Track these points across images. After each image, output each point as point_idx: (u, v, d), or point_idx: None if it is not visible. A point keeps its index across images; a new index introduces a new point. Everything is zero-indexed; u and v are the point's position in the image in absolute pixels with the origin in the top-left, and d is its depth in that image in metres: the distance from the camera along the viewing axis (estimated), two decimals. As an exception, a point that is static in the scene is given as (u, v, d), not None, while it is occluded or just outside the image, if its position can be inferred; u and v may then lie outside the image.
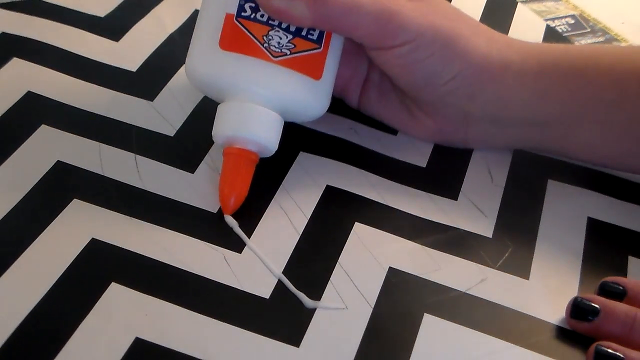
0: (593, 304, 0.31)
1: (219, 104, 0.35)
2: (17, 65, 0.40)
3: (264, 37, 0.33)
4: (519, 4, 0.53)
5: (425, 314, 0.31)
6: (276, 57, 0.33)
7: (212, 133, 0.34)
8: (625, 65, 0.35)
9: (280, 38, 0.33)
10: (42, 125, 0.37)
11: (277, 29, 0.33)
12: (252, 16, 0.33)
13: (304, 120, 0.37)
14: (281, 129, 0.34)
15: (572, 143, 0.37)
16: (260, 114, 0.33)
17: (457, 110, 0.37)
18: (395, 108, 0.39)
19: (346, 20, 0.33)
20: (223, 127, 0.34)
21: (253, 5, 0.33)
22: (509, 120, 0.37)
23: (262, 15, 0.33)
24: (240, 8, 0.33)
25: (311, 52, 0.34)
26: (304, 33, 0.34)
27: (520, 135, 0.38)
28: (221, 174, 0.34)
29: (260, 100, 0.33)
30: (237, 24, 0.33)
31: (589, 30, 0.53)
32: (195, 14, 0.45)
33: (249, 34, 0.33)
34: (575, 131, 0.36)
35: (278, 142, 0.34)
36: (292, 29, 0.33)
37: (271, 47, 0.33)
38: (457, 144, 0.39)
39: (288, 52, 0.33)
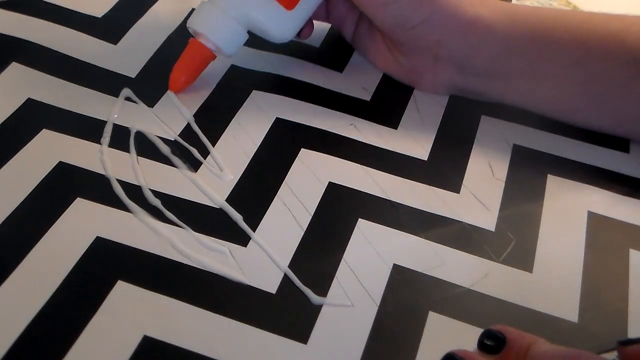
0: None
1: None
2: (16, 70, 0.40)
3: None
4: (513, 1, 0.53)
5: (430, 311, 0.31)
6: None
7: (187, 22, 0.39)
8: (590, 27, 0.38)
9: None
10: (43, 129, 0.37)
11: None
12: None
13: (268, 40, 0.40)
14: (241, 39, 0.39)
15: (532, 96, 0.40)
16: (224, 21, 0.38)
17: (427, 53, 0.40)
18: (379, 45, 0.42)
19: None
20: (193, 21, 0.39)
21: None
22: (474, 69, 0.40)
23: None
24: None
25: None
26: None
27: (483, 86, 0.41)
28: (179, 57, 0.39)
29: (233, 13, 0.38)
30: None
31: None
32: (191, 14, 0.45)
33: None
34: (536, 86, 0.39)
35: (236, 49, 0.40)
36: None
37: None
38: (426, 88, 0.42)
39: None
